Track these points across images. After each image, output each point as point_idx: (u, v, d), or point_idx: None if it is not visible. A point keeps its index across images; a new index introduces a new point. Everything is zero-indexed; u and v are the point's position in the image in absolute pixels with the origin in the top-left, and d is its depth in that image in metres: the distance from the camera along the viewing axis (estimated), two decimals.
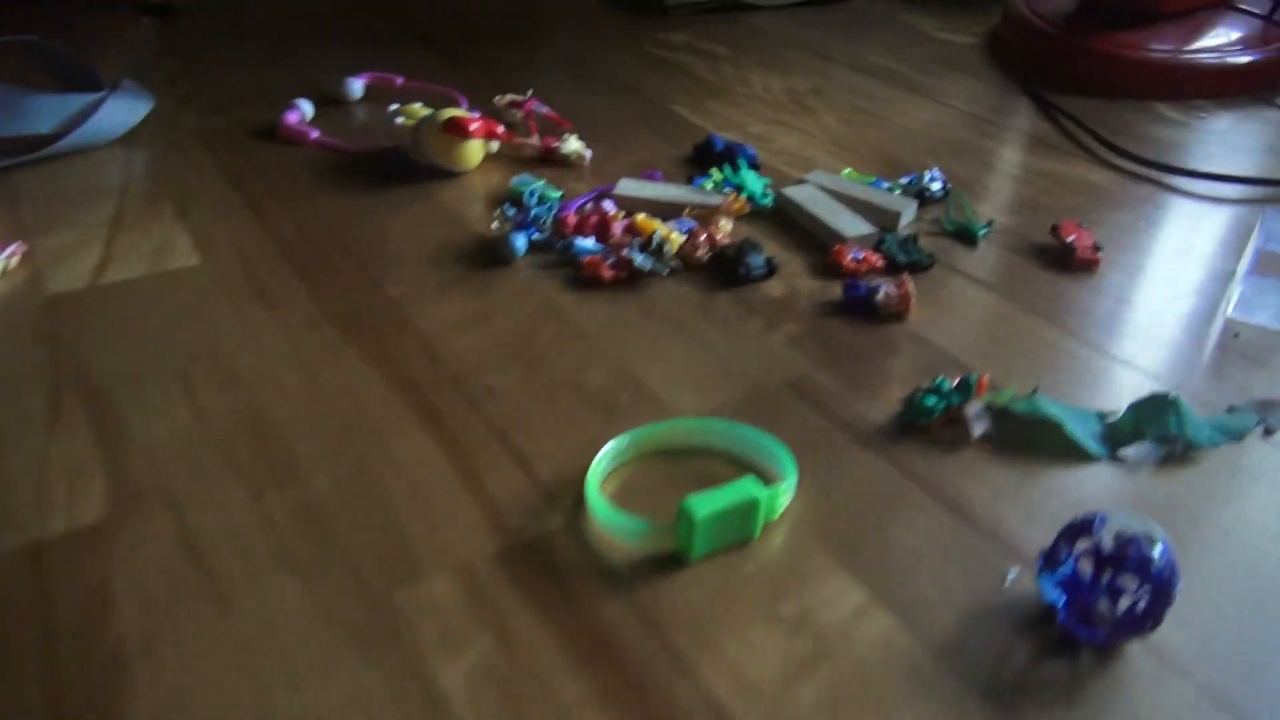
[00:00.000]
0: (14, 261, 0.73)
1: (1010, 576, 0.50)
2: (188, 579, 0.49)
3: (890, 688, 0.44)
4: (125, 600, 0.47)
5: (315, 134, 0.96)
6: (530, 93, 1.05)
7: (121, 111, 0.95)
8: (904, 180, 0.90)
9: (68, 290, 0.71)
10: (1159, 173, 0.98)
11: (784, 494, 0.53)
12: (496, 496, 0.54)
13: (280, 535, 0.51)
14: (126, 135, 0.96)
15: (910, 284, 0.72)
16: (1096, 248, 0.80)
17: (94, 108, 0.92)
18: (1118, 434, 0.60)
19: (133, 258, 0.76)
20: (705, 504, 0.49)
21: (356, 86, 1.07)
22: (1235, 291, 0.76)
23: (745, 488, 0.51)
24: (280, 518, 0.52)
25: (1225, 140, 1.07)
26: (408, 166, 0.91)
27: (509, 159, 0.95)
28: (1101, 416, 0.61)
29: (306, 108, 1.01)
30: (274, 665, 0.44)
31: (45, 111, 0.91)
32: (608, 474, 0.56)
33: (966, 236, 0.83)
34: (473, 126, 0.87)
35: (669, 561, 0.51)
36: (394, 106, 0.94)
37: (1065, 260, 0.80)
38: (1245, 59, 1.21)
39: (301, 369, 0.64)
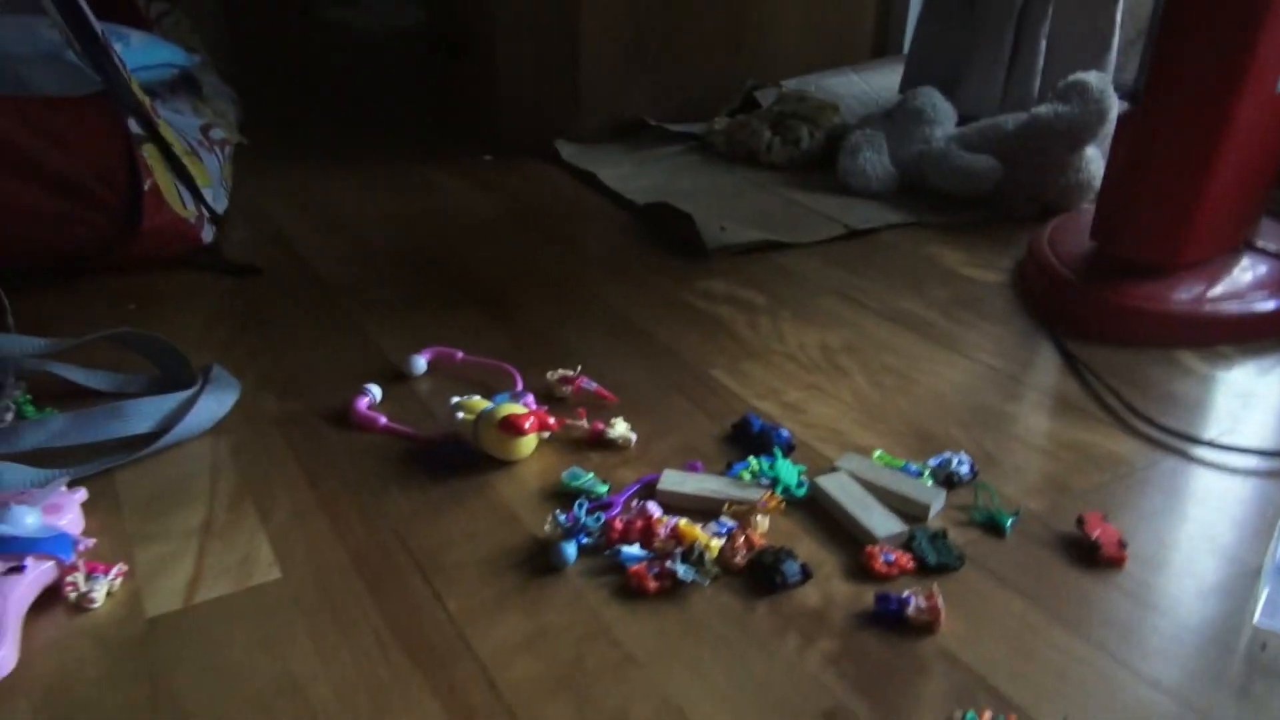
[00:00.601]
0: (117, 584, 0.81)
1: None
2: None
3: None
4: None
5: (383, 420, 1.05)
6: (579, 369, 1.13)
7: (212, 405, 1.05)
8: (933, 463, 0.96)
9: (163, 613, 0.78)
10: (1183, 442, 1.02)
11: None
12: None
13: None
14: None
15: (939, 597, 0.76)
16: (1122, 544, 0.84)
17: (190, 405, 1.03)
18: None
19: (219, 571, 0.83)
20: None
21: (420, 363, 1.17)
22: (1262, 594, 0.79)
23: None
24: None
25: (1250, 399, 1.12)
26: (467, 455, 0.99)
27: (559, 442, 1.02)
28: None
29: (375, 392, 1.10)
30: None
31: (146, 413, 1.01)
32: None
33: (995, 527, 0.88)
34: (526, 424, 0.95)
35: None
36: (455, 399, 1.02)
37: (1091, 557, 0.84)
38: (1270, 305, 1.26)
39: (372, 704, 0.69)
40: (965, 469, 0.95)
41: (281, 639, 0.76)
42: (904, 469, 0.95)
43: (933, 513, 0.89)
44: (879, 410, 1.10)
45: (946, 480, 0.94)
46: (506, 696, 0.70)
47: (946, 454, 0.97)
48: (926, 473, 0.95)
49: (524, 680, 0.71)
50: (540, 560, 0.84)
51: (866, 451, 0.99)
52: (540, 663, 0.73)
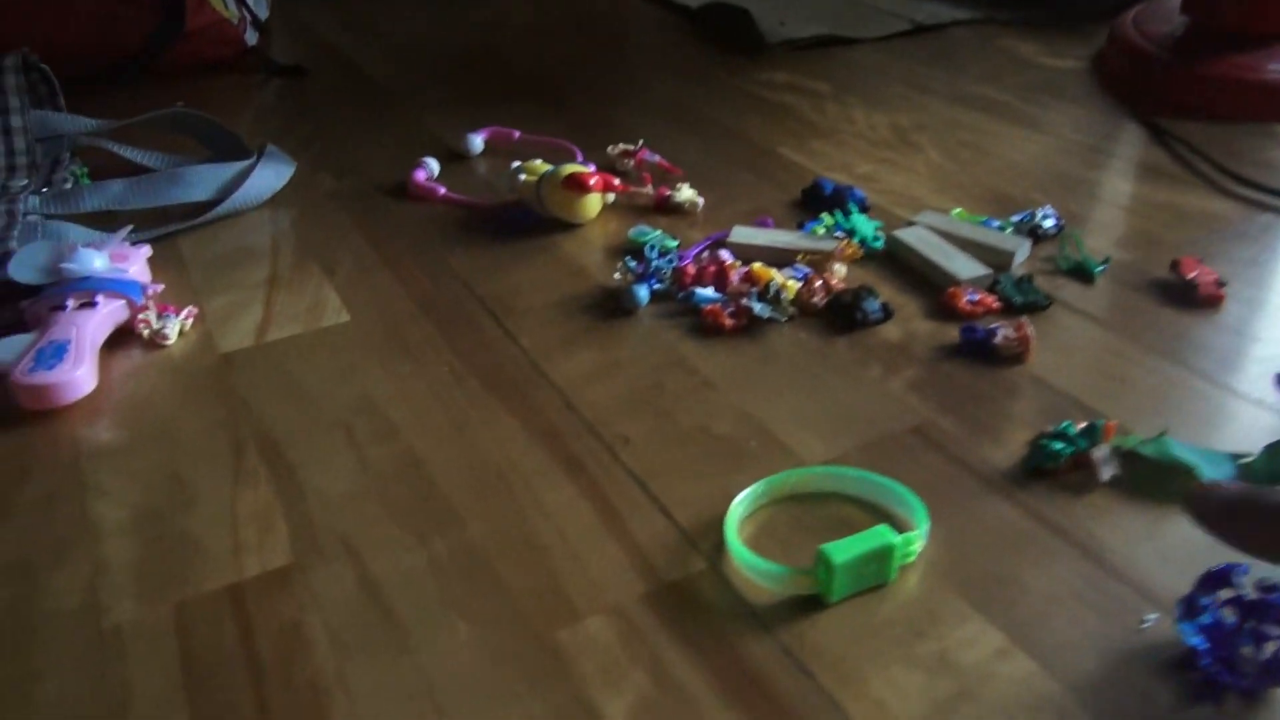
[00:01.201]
0: (189, 324, 0.80)
1: (1148, 622, 0.51)
2: (369, 616, 0.53)
3: None
4: (317, 636, 0.52)
5: (443, 190, 1.02)
6: (641, 142, 1.09)
7: (269, 177, 1.03)
8: (1015, 218, 0.92)
9: (237, 349, 0.78)
10: None
11: (917, 541, 0.55)
12: (640, 541, 0.58)
13: (447, 579, 0.56)
14: (271, 197, 1.04)
15: (1029, 327, 0.73)
16: (1220, 283, 0.80)
17: (246, 175, 1.01)
18: (1252, 476, 0.60)
19: (288, 317, 0.82)
20: (843, 550, 0.52)
21: (477, 142, 1.13)
22: None
23: (880, 535, 0.53)
24: (446, 562, 0.57)
25: None
26: (530, 219, 0.97)
27: (625, 208, 0.99)
28: (1234, 458, 0.61)
29: (433, 165, 1.07)
30: (454, 696, 0.49)
31: (203, 181, 1.00)
32: (744, 519, 0.59)
33: (1083, 274, 0.84)
34: (591, 182, 0.92)
35: (810, 603, 0.53)
36: (516, 164, 0.99)
37: (1186, 296, 0.80)
38: None
39: (451, 421, 0.69)
40: (1051, 222, 0.90)
41: (356, 370, 0.75)
42: (984, 224, 0.91)
43: (1017, 260, 0.85)
44: (954, 178, 1.05)
45: (1031, 233, 0.90)
46: (585, 414, 0.69)
47: (1031, 210, 0.92)
48: (1009, 229, 0.91)
49: (602, 401, 0.70)
50: (611, 305, 0.82)
51: (944, 213, 0.95)
52: (617, 387, 0.72)
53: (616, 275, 0.85)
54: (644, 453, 0.65)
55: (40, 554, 0.58)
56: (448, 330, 0.80)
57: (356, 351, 0.77)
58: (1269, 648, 0.45)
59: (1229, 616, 0.46)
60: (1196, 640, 0.48)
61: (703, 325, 0.79)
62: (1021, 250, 0.86)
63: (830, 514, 0.59)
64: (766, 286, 0.80)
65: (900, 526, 0.57)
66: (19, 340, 0.74)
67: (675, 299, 0.82)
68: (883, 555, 0.53)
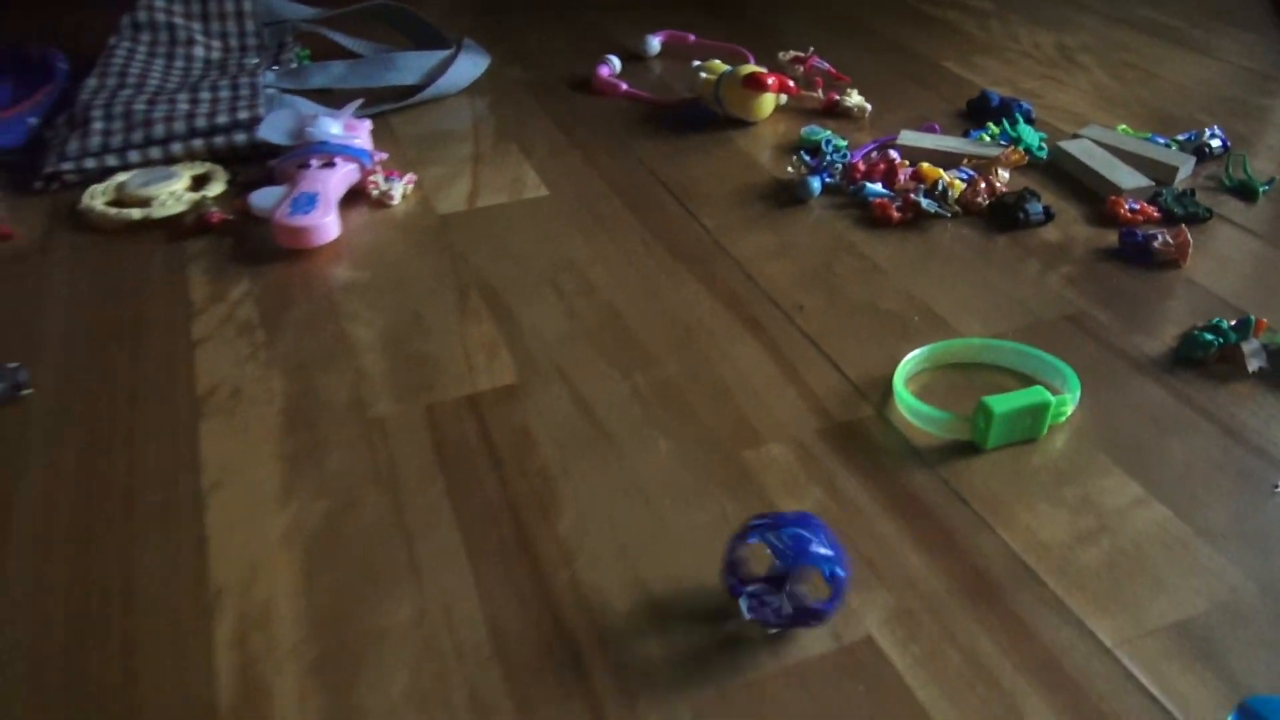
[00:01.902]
0: (409, 188, 0.92)
1: None
2: (584, 429, 0.64)
3: (1164, 561, 0.53)
4: (543, 439, 0.63)
5: (624, 86, 1.10)
6: (811, 49, 1.14)
7: (468, 66, 1.13)
8: (1181, 137, 0.94)
9: (452, 212, 0.89)
10: None
11: (1070, 401, 0.62)
12: (814, 389, 0.66)
13: (647, 404, 0.65)
14: (469, 86, 1.13)
15: (1188, 233, 0.77)
16: None
17: (448, 63, 1.11)
18: None
19: (494, 189, 0.93)
20: (1002, 402, 0.59)
21: (654, 43, 1.20)
22: None
23: (1037, 392, 0.60)
24: (646, 393, 0.67)
25: None
26: (706, 116, 1.04)
27: (794, 110, 1.05)
28: None
29: (615, 62, 1.15)
30: (659, 492, 0.59)
31: (412, 67, 1.10)
32: (909, 378, 0.66)
33: (1246, 193, 0.86)
34: (769, 82, 0.98)
35: (966, 449, 0.61)
36: (697, 63, 1.06)
37: None
38: None
39: (644, 280, 0.78)
40: (1217, 142, 0.92)
41: (557, 235, 0.85)
42: (1149, 140, 0.94)
43: (1180, 175, 0.89)
44: (1119, 97, 1.07)
45: (1196, 152, 0.92)
46: (763, 285, 0.77)
47: (1197, 130, 0.94)
48: (1175, 146, 0.93)
49: (778, 276, 0.78)
50: (783, 195, 0.90)
51: (1109, 128, 0.97)
52: (791, 265, 0.80)
53: (790, 169, 0.92)
54: (817, 319, 0.73)
55: (311, 360, 0.71)
56: (636, 208, 0.89)
57: (557, 221, 0.87)
58: None
59: None
60: None
61: (871, 217, 0.85)
62: (1186, 166, 0.89)
63: (986, 381, 0.66)
64: (934, 184, 0.85)
65: (1055, 393, 0.63)
66: (274, 191, 0.86)
67: (845, 192, 0.89)
68: (1037, 411, 0.60)
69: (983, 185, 0.86)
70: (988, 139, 0.94)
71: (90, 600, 0.53)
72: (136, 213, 0.86)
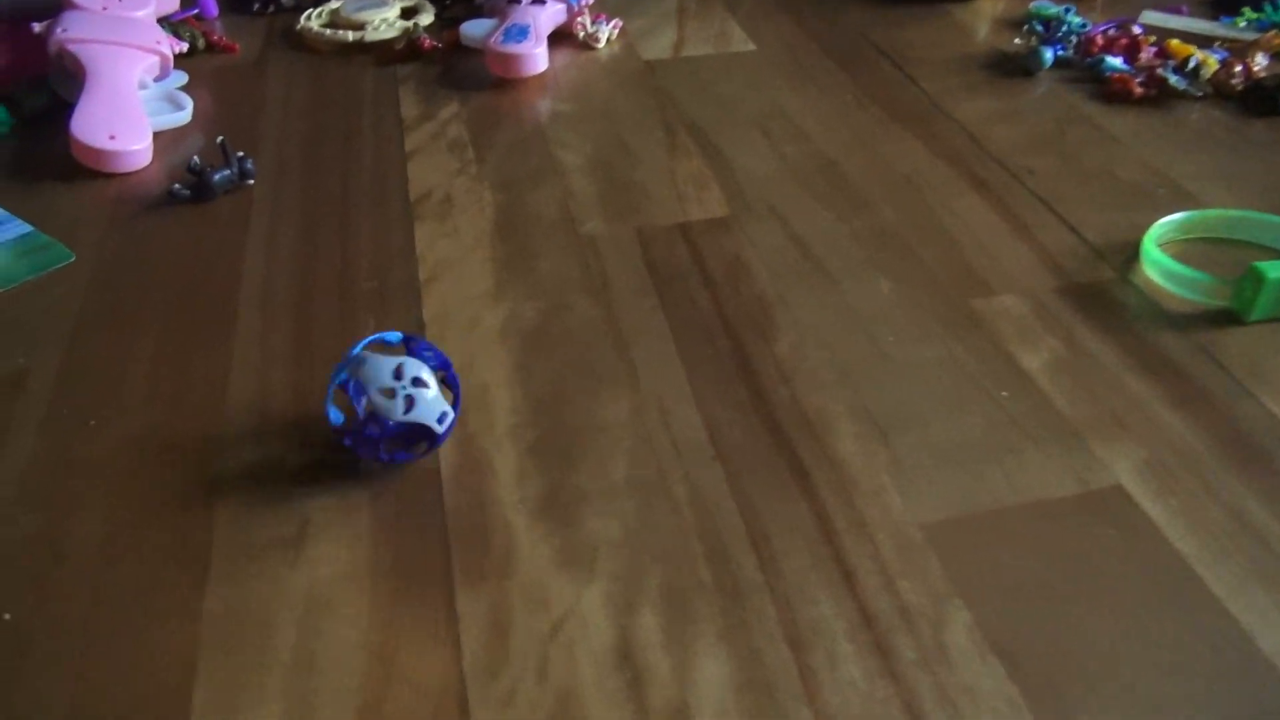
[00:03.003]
0: (615, 33, 0.90)
1: None
2: (800, 263, 0.61)
3: None
4: (757, 268, 0.61)
5: None
6: None
7: None
8: None
9: (657, 59, 0.86)
10: None
11: None
12: (1047, 247, 0.62)
13: (866, 246, 0.63)
14: None
15: None
16: None
17: None
18: None
19: (699, 40, 0.90)
20: (1276, 268, 0.54)
21: None
22: None
23: None
24: (863, 235, 0.64)
25: None
26: None
27: None
28: None
29: None
30: (880, 327, 0.56)
31: None
32: (1159, 244, 0.61)
33: None
34: None
35: (1223, 317, 0.56)
36: None
37: None
38: None
39: (857, 134, 0.74)
40: None
41: (766, 85, 0.82)
42: None
43: None
44: None
45: None
46: (989, 148, 0.73)
47: None
48: None
49: (1004, 140, 0.73)
50: (1008, 66, 0.84)
51: None
52: (1018, 130, 0.75)
53: (1018, 40, 0.86)
54: (1049, 183, 0.68)
55: (520, 177, 0.70)
56: (848, 67, 0.85)
57: (765, 73, 0.84)
58: None
59: None
60: None
61: (1108, 91, 0.79)
62: None
63: (1245, 257, 0.61)
64: (1185, 60, 0.78)
65: None
66: (485, 22, 0.85)
67: (1078, 66, 0.83)
68: None
69: (1238, 68, 0.78)
70: (1242, 24, 0.86)
71: (313, 369, 0.55)
72: (350, 35, 0.87)
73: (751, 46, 0.88)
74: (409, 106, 0.80)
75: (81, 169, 0.71)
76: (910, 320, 0.57)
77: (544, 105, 0.79)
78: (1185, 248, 0.62)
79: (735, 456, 0.49)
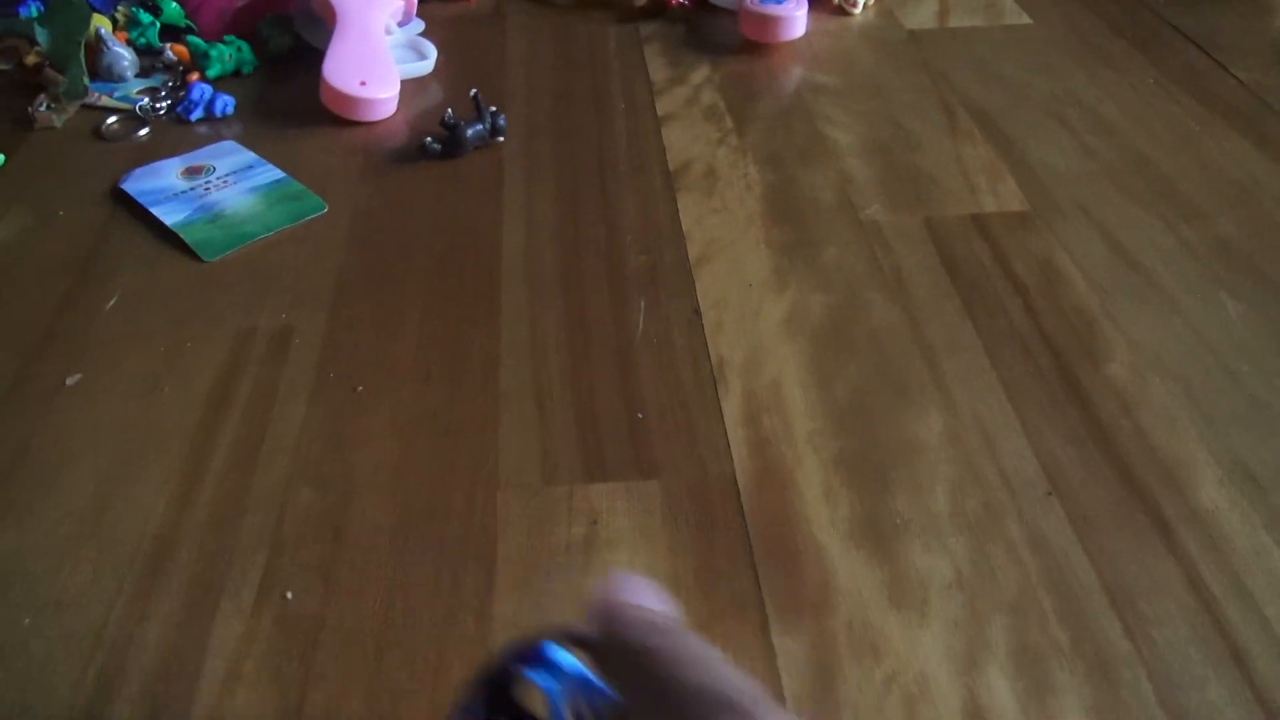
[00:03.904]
0: (871, 1, 0.82)
1: None
2: (1124, 273, 0.54)
3: None
4: (1073, 275, 0.54)
5: None
6: None
7: None
8: None
9: (921, 28, 0.79)
10: None
11: None
12: None
13: (1202, 260, 0.54)
14: None
15: None
16: None
17: None
18: None
19: (965, 9, 0.82)
20: None
21: None
22: None
23: None
24: (1197, 247, 0.55)
25: None
26: None
27: None
28: None
29: None
30: (1238, 359, 0.48)
31: None
32: None
33: None
34: None
35: None
36: None
37: None
38: None
39: (1170, 128, 0.66)
40: None
41: (1051, 66, 0.73)
42: None
43: None
44: None
45: None
46: None
47: None
48: None
49: None
50: None
51: None
52: None
53: None
54: None
55: (789, 153, 0.64)
56: (1146, 49, 0.75)
57: (1049, 52, 0.75)
58: None
59: None
60: None
61: None
62: None
63: None
64: None
65: None
66: None
67: None
68: None
69: None
70: None
71: (590, 344, 0.51)
72: None
73: (1027, 20, 0.80)
74: (657, 69, 0.75)
75: (326, 115, 0.69)
76: (1269, 350, 0.49)
77: (803, 75, 0.73)
78: None
79: (1078, 497, 0.42)
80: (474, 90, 0.66)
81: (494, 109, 0.66)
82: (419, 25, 0.79)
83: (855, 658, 0.37)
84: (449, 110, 0.65)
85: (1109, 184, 0.60)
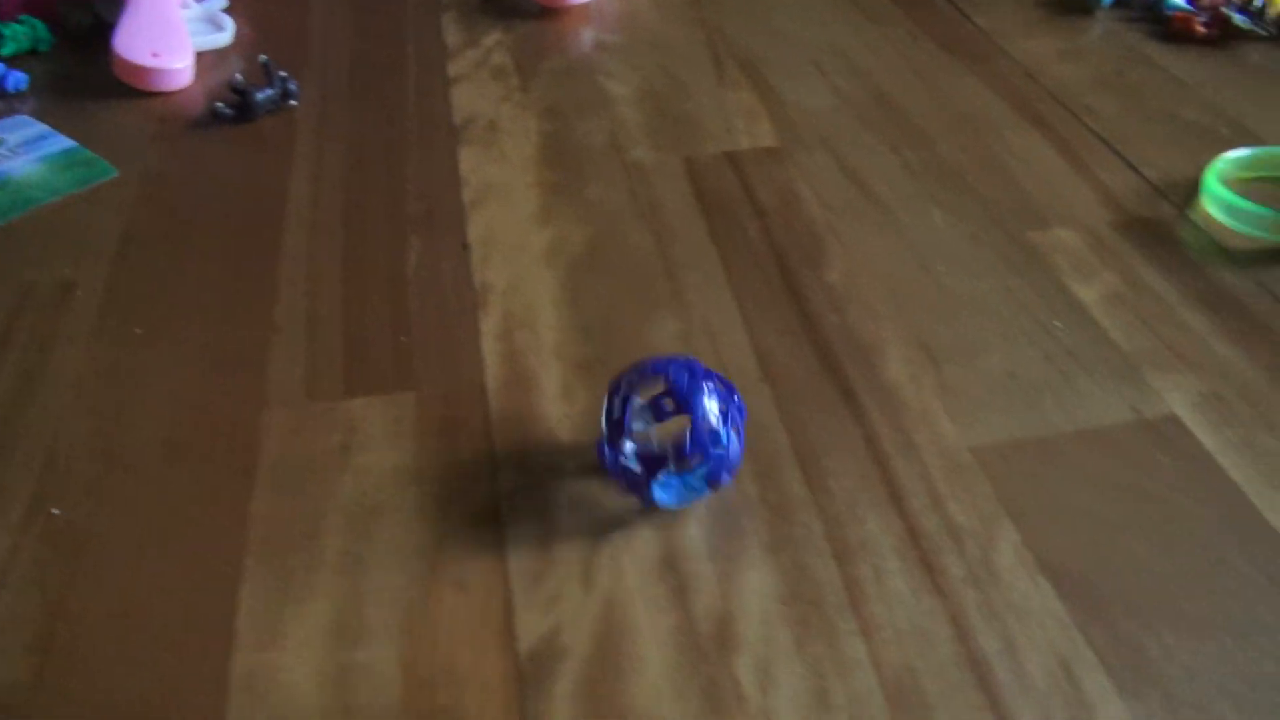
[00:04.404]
0: None
1: None
2: (853, 195, 0.60)
3: None
4: (809, 199, 0.60)
5: None
6: None
7: None
8: None
9: None
10: None
11: None
12: (1106, 184, 0.61)
13: (920, 179, 0.61)
14: None
15: None
16: None
17: None
18: None
19: None
20: None
21: None
22: None
23: None
24: (917, 169, 0.62)
25: None
26: None
27: None
28: None
29: None
30: (936, 259, 0.55)
31: None
32: (1222, 180, 0.59)
33: None
34: None
35: None
36: None
37: None
38: None
39: (914, 70, 0.73)
40: None
41: (819, 21, 0.80)
42: None
43: None
44: None
45: None
46: (1048, 85, 0.71)
47: None
48: None
49: (1063, 79, 0.71)
50: (1068, 3, 0.81)
51: None
52: (1078, 70, 0.73)
53: None
54: (1108, 121, 0.67)
55: (568, 105, 0.69)
56: (902, 2, 0.83)
57: (817, 7, 0.82)
58: None
59: None
60: None
61: (1169, 31, 0.76)
62: None
63: None
64: (1250, 1, 0.76)
65: None
66: None
67: (1138, 5, 0.80)
68: None
69: None
70: None
71: (364, 279, 0.55)
72: None
73: None
74: (452, 34, 0.79)
75: (124, 88, 0.71)
76: (964, 252, 0.56)
77: (590, 35, 0.78)
78: (1247, 186, 0.60)
79: (784, 379, 0.48)
80: (263, 57, 0.69)
81: (284, 74, 0.69)
82: (221, 0, 0.82)
83: (573, 520, 0.42)
84: (237, 75, 0.68)
85: (852, 119, 0.67)
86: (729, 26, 0.79)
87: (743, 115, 0.68)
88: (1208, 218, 0.57)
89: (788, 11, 0.81)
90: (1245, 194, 0.58)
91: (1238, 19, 0.74)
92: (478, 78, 0.73)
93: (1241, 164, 0.60)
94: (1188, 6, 0.77)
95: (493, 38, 0.78)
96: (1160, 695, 0.35)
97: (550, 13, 0.81)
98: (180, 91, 0.71)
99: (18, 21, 0.75)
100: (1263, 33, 0.74)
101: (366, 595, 0.39)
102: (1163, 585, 0.39)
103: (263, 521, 0.42)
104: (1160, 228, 0.57)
